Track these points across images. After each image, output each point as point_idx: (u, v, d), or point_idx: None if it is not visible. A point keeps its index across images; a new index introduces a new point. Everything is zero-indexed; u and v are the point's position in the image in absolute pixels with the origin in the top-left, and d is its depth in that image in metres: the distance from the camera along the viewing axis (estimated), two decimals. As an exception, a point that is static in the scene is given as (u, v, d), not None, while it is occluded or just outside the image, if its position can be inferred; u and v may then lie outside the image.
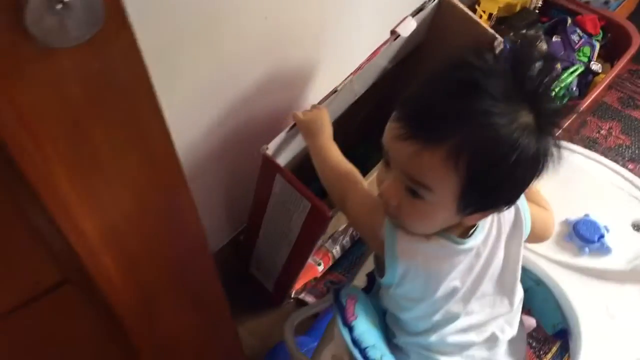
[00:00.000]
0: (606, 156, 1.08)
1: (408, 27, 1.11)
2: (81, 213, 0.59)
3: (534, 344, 1.35)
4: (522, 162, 0.68)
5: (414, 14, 1.14)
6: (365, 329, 0.82)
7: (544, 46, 1.61)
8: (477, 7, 1.66)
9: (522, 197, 0.84)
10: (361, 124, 1.38)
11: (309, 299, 1.48)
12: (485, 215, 0.77)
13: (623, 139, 1.75)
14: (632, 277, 0.94)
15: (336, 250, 1.49)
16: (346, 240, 1.50)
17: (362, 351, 0.79)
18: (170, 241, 0.76)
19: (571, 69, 1.59)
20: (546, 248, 0.97)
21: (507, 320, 0.88)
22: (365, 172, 0.98)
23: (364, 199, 0.88)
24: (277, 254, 1.26)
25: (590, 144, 1.70)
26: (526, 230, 0.85)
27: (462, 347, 0.85)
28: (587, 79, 1.61)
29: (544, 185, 0.89)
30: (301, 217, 1.05)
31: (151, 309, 0.80)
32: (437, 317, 0.83)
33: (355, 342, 0.80)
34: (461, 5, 1.20)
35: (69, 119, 0.53)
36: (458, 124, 0.66)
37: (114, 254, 0.67)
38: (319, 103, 1.05)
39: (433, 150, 0.67)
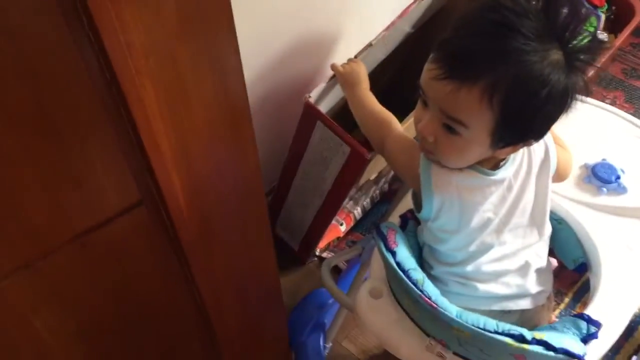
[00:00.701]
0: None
1: None
2: (161, 129, 0.65)
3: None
4: (553, 97, 0.75)
5: None
6: (406, 255, 0.89)
7: None
8: None
9: (550, 137, 0.91)
10: (383, 89, 1.45)
11: (341, 263, 1.54)
12: (516, 150, 0.83)
13: (627, 107, 1.83)
14: (648, 213, 1.01)
15: (357, 212, 1.55)
16: (367, 202, 1.57)
17: (405, 272, 0.86)
18: (232, 172, 0.82)
19: (579, 38, 1.66)
20: (567, 189, 1.04)
21: (536, 251, 0.95)
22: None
23: (401, 140, 0.95)
24: (307, 208, 1.32)
25: (596, 112, 1.77)
26: (553, 167, 0.92)
27: (498, 275, 0.92)
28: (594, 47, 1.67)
29: (564, 132, 0.97)
30: (339, 163, 1.12)
31: (209, 238, 0.85)
32: (472, 247, 0.90)
33: (399, 265, 0.87)
34: None
35: (161, 36, 0.58)
36: (492, 63, 0.73)
37: (183, 176, 0.72)
38: (355, 56, 1.11)
39: (469, 89, 0.73)
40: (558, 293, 1.43)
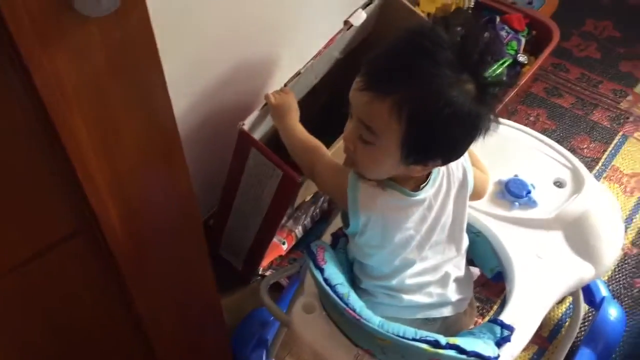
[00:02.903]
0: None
1: (359, 18, 1.26)
2: (94, 162, 0.69)
3: (477, 304, 1.51)
4: (457, 119, 0.83)
5: (364, 6, 1.29)
6: (334, 271, 0.96)
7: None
8: (416, 7, 1.82)
9: (468, 160, 1.00)
10: (317, 115, 1.52)
11: (283, 280, 1.59)
12: (427, 169, 0.91)
13: (549, 124, 1.95)
14: (555, 225, 1.10)
15: (298, 230, 1.62)
16: (307, 221, 1.63)
17: (332, 287, 0.93)
18: (165, 197, 0.86)
19: (501, 61, 1.77)
20: (483, 204, 1.13)
21: (455, 264, 1.03)
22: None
23: (330, 164, 1.02)
24: (248, 229, 1.38)
25: (521, 129, 1.88)
26: (470, 188, 1.00)
27: (420, 287, 1.00)
28: (515, 70, 1.79)
29: (480, 151, 1.05)
30: (273, 186, 1.18)
31: (146, 262, 0.89)
32: (396, 262, 0.97)
33: (326, 281, 0.93)
34: (405, 1, 1.36)
35: (93, 80, 0.62)
36: (404, 81, 0.82)
37: (118, 204, 0.76)
38: (285, 84, 1.19)
39: (382, 101, 0.82)
40: (487, 301, 1.52)
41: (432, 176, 0.95)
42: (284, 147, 1.10)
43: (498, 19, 1.86)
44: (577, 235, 1.09)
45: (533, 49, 1.88)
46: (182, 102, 1.22)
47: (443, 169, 0.97)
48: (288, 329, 1.04)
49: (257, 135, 1.19)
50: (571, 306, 1.51)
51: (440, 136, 0.85)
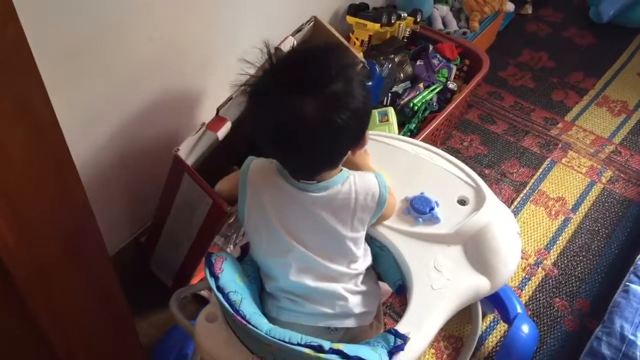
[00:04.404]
0: (467, 163, 1.30)
1: (289, 45, 1.31)
2: None
3: (393, 316, 1.54)
4: None
5: (294, 33, 1.34)
6: (229, 280, 0.99)
7: (408, 69, 1.86)
8: (351, 35, 1.89)
9: (387, 189, 1.07)
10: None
11: (205, 292, 1.62)
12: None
13: (482, 149, 2.02)
14: (454, 239, 1.15)
15: (230, 249, 1.65)
16: (239, 239, 1.67)
17: (225, 295, 0.96)
18: (59, 210, 0.87)
19: (432, 87, 1.85)
20: (390, 220, 1.17)
21: (352, 278, 1.07)
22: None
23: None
24: (178, 249, 1.41)
25: (454, 153, 1.95)
26: (377, 214, 1.07)
27: (323, 294, 1.04)
28: (445, 96, 1.86)
29: (391, 170, 1.10)
30: (203, 212, 1.22)
31: (45, 278, 0.89)
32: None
33: (219, 288, 0.97)
34: (332, 30, 1.42)
35: None
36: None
37: (6, 216, 0.76)
38: (218, 109, 1.24)
39: None
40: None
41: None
42: (215, 174, 1.16)
43: (431, 47, 1.93)
44: (475, 250, 1.14)
45: (467, 78, 1.96)
46: (105, 126, 1.25)
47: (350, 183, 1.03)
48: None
49: (190, 160, 1.23)
50: (491, 324, 1.55)
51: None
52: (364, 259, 1.08)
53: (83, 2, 1.06)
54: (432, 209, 1.18)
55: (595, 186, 1.92)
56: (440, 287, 1.10)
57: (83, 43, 1.10)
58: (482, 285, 1.12)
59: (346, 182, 1.03)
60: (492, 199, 1.21)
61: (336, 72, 0.91)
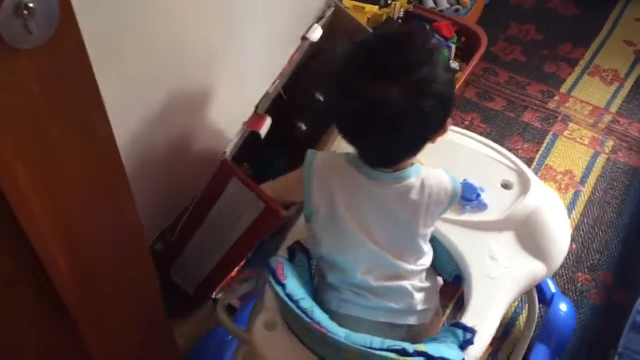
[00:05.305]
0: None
1: (316, 33, 1.26)
2: (35, 201, 0.64)
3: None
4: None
5: (318, 20, 1.28)
6: (295, 286, 0.95)
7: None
8: None
9: (458, 183, 1.04)
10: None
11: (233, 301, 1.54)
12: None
13: (484, 127, 2.00)
14: (506, 225, 1.13)
15: (247, 249, 1.59)
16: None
17: (295, 302, 0.91)
18: (112, 232, 0.81)
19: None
20: (435, 210, 1.14)
21: (422, 274, 1.04)
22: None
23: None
24: (209, 256, 1.34)
25: (458, 133, 1.93)
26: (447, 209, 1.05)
27: (388, 290, 0.99)
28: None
29: (430, 158, 1.07)
30: (252, 216, 1.15)
31: (96, 302, 0.84)
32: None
33: (289, 296, 0.92)
34: (352, 14, 1.37)
35: (28, 114, 0.58)
36: None
37: (62, 243, 0.71)
38: (256, 106, 1.18)
39: None
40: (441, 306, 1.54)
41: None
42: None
43: (428, 27, 1.89)
44: (528, 235, 1.12)
45: (464, 55, 1.93)
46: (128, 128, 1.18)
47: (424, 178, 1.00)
48: (249, 347, 1.02)
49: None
50: (520, 305, 1.55)
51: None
52: (429, 254, 1.04)
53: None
54: (478, 195, 1.16)
55: (599, 157, 1.93)
56: (498, 276, 1.08)
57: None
58: (538, 270, 1.11)
59: (419, 176, 0.99)
60: (536, 180, 1.19)
61: (421, 57, 0.89)
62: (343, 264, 0.99)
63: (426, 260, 1.04)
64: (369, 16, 1.83)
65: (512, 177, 1.20)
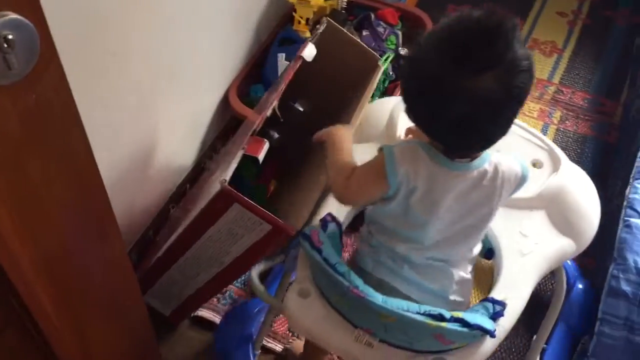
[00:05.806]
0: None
1: (311, 52, 1.26)
2: (18, 245, 0.62)
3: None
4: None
5: (312, 39, 1.28)
6: (331, 252, 0.96)
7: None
8: (294, 13, 1.82)
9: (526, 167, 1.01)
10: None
11: (206, 314, 1.53)
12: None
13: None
14: (537, 203, 1.14)
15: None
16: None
17: (332, 267, 0.93)
18: (101, 271, 0.80)
19: (384, 57, 1.74)
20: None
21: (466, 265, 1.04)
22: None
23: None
24: (194, 278, 1.34)
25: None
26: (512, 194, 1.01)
27: (427, 267, 0.99)
28: (399, 63, 1.79)
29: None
30: (253, 238, 1.16)
31: (85, 343, 0.84)
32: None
33: (326, 260, 0.94)
34: (345, 30, 1.36)
35: (8, 154, 0.56)
36: None
37: (48, 287, 0.70)
38: (255, 129, 1.19)
39: None
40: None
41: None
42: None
43: (373, 16, 1.88)
44: (558, 213, 1.13)
45: (411, 41, 1.89)
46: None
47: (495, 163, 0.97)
48: (283, 316, 1.03)
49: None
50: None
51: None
52: (480, 243, 1.05)
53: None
54: (510, 173, 1.16)
55: (549, 128, 1.99)
56: (529, 252, 1.09)
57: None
58: (568, 247, 1.12)
59: (492, 162, 0.96)
60: (566, 159, 1.20)
61: (509, 39, 0.83)
62: (407, 234, 0.98)
63: (479, 247, 1.04)
64: (315, 10, 1.83)
65: (542, 156, 1.21)
